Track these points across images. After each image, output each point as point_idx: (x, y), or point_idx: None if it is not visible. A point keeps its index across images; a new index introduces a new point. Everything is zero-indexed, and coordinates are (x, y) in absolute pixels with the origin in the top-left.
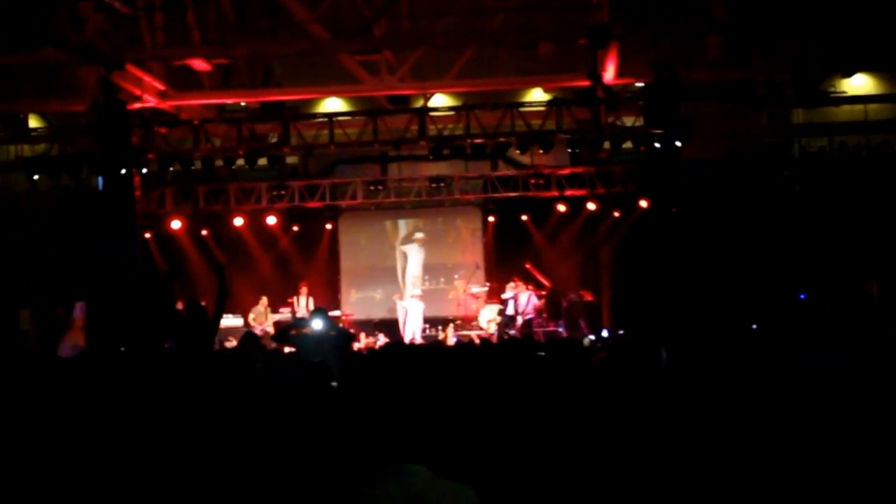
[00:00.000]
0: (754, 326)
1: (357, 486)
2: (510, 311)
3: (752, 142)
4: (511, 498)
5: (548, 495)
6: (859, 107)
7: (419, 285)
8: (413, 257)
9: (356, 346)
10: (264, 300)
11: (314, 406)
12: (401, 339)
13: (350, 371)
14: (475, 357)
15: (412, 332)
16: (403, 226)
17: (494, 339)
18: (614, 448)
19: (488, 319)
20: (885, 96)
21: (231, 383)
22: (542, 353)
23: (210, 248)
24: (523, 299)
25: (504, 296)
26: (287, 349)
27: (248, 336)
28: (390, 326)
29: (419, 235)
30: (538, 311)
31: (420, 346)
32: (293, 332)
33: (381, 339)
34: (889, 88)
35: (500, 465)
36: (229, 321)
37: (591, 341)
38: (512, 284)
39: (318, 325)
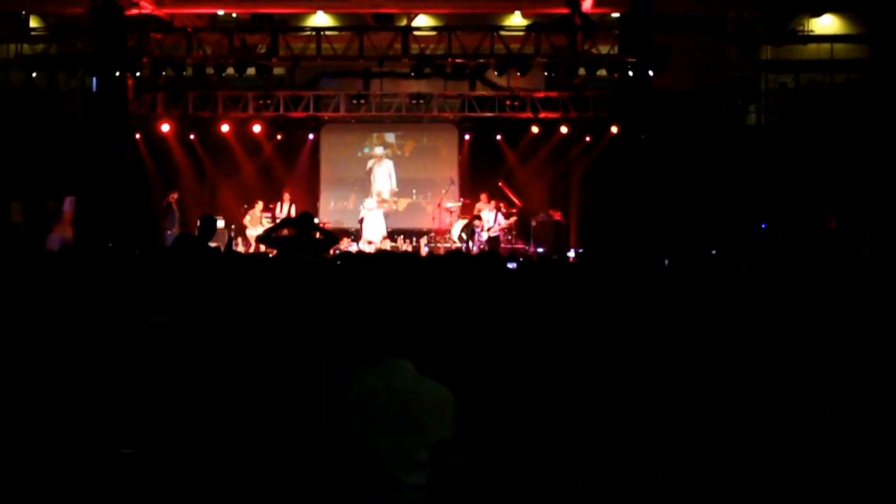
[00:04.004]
0: (713, 252)
1: (343, 372)
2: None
3: (721, 75)
4: (489, 406)
5: (527, 404)
6: (826, 46)
7: (378, 198)
8: (376, 172)
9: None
10: (260, 204)
11: (303, 300)
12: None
13: (333, 271)
14: (440, 266)
15: (368, 240)
16: (384, 139)
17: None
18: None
19: (459, 234)
20: (851, 36)
21: (226, 278)
22: (515, 266)
23: (197, 151)
24: (489, 217)
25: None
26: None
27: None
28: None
29: (378, 151)
30: (508, 230)
31: (384, 253)
32: (277, 234)
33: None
34: (855, 29)
35: (480, 373)
36: None
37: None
38: (481, 205)
39: (303, 226)
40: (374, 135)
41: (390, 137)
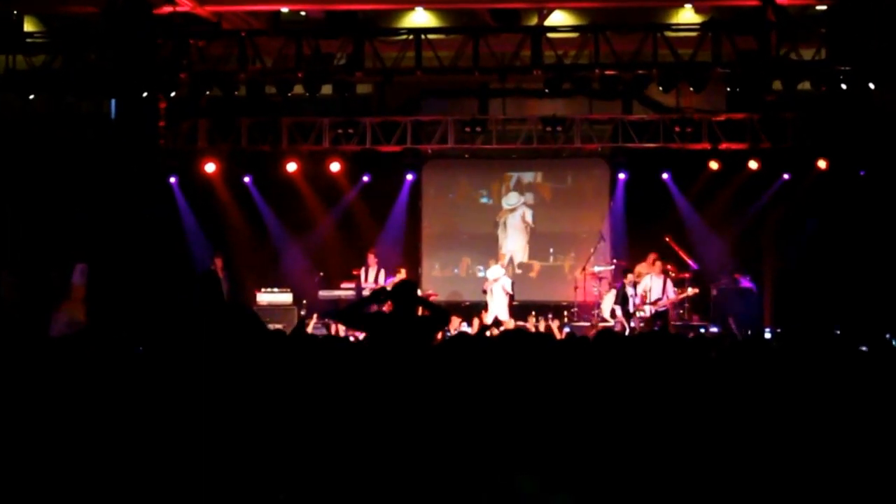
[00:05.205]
0: None
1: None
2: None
3: None
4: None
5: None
6: None
7: (508, 260)
8: (508, 226)
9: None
10: (403, 272)
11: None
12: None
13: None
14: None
15: (493, 315)
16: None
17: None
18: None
19: (612, 308)
20: None
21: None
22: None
23: (252, 199)
24: (655, 286)
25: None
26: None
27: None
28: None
29: (512, 201)
30: (679, 303)
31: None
32: (372, 308)
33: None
34: None
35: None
36: (276, 296)
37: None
38: (643, 266)
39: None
40: (504, 175)
41: (528, 177)
